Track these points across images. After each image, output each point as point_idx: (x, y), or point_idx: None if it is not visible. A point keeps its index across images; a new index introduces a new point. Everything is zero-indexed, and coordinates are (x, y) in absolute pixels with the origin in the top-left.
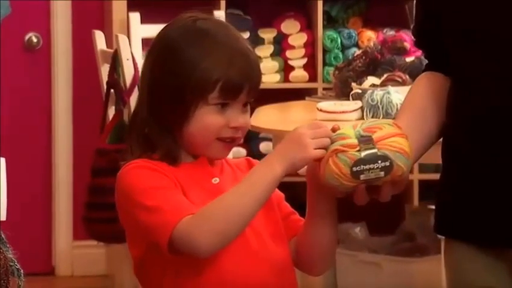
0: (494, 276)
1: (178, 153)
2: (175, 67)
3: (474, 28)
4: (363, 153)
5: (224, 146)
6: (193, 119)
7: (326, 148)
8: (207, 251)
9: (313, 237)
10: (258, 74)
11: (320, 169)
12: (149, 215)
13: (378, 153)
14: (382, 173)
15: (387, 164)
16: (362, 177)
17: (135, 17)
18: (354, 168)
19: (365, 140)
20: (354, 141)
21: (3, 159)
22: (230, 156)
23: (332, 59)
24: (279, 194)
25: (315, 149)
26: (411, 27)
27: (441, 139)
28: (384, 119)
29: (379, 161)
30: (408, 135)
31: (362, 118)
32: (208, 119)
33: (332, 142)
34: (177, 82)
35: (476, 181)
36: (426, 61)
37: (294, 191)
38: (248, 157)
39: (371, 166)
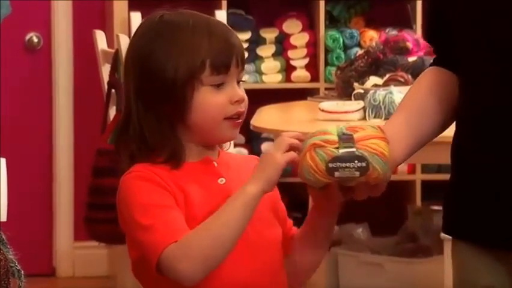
0: (495, 277)
1: (182, 152)
2: (158, 66)
3: (478, 30)
4: (341, 151)
5: (232, 124)
6: (193, 104)
7: (298, 149)
8: (190, 281)
9: (304, 255)
10: (239, 43)
11: (298, 164)
12: (143, 233)
13: (356, 153)
14: (357, 173)
15: (364, 164)
16: (337, 174)
17: (136, 16)
18: (330, 165)
19: (345, 138)
20: (335, 137)
21: (3, 160)
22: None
23: (334, 59)
24: (275, 194)
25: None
26: (423, 20)
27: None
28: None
29: (356, 161)
30: (404, 130)
31: (364, 118)
32: (209, 100)
33: (313, 136)
34: (166, 78)
35: (480, 181)
36: (434, 56)
37: (294, 191)
38: (257, 156)
39: (347, 165)
